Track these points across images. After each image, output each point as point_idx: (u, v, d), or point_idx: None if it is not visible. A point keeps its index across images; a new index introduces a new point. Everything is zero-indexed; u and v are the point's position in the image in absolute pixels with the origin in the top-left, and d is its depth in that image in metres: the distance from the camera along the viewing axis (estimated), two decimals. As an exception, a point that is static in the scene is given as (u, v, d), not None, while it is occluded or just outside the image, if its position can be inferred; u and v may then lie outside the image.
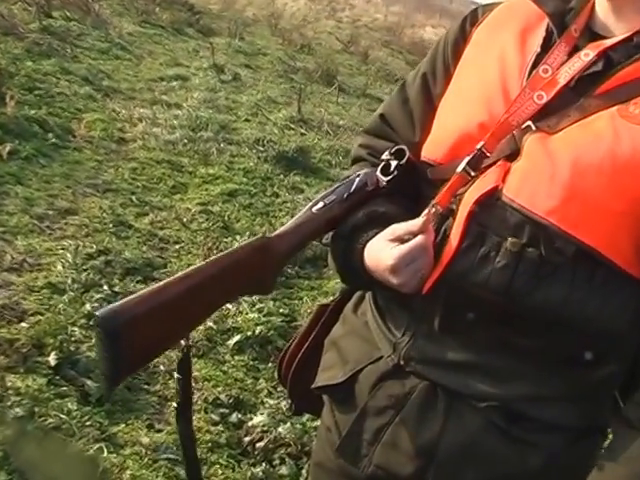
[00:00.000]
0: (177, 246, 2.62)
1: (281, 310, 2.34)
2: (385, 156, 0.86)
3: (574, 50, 0.75)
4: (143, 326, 0.68)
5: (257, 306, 2.31)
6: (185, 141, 3.60)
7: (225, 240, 2.70)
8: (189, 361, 0.80)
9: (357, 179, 0.85)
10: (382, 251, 0.77)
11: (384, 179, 0.85)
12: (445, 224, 0.77)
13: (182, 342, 0.79)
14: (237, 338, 2.13)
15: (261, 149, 3.72)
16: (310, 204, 0.85)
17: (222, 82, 4.87)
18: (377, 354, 0.83)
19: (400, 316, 0.82)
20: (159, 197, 2.99)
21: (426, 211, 0.77)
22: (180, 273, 0.73)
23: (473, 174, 0.76)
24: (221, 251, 0.80)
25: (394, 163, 0.85)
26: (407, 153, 0.84)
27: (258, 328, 2.18)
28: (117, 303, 0.68)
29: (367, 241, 0.81)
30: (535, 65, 0.76)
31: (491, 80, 0.79)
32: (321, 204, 0.84)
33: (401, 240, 0.76)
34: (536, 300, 0.71)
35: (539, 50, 0.77)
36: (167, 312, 0.70)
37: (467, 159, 0.76)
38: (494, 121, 0.76)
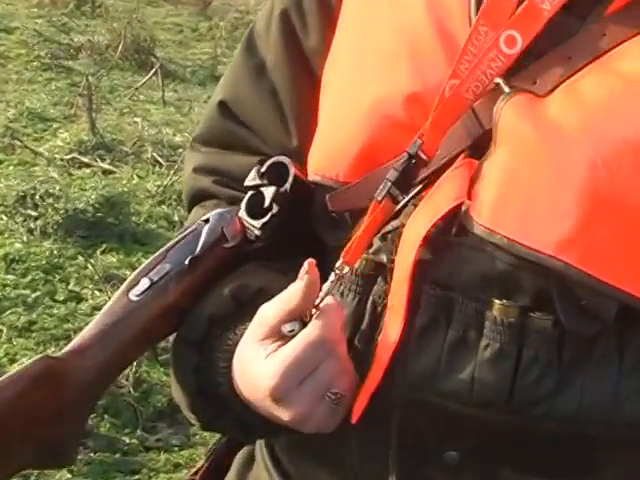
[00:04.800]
0: None
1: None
2: (251, 180, 0.88)
3: None
4: None
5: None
6: None
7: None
8: None
9: (205, 230, 0.87)
10: (253, 363, 0.78)
11: (255, 224, 0.87)
12: (373, 292, 0.80)
13: None
14: None
15: (32, 213, 3.71)
16: (125, 284, 0.85)
17: None
18: None
19: (324, 479, 0.85)
20: None
21: (305, 266, 0.76)
22: None
23: (402, 199, 0.78)
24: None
25: (270, 192, 0.86)
26: (291, 169, 0.86)
27: None
28: None
29: (237, 344, 0.82)
30: None
31: (414, 12, 0.82)
32: (145, 283, 0.85)
33: (281, 336, 0.77)
34: (562, 407, 0.74)
35: None
36: None
37: (391, 173, 0.78)
38: (433, 92, 0.78)
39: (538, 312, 0.74)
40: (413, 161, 0.77)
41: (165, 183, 4.26)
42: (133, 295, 0.84)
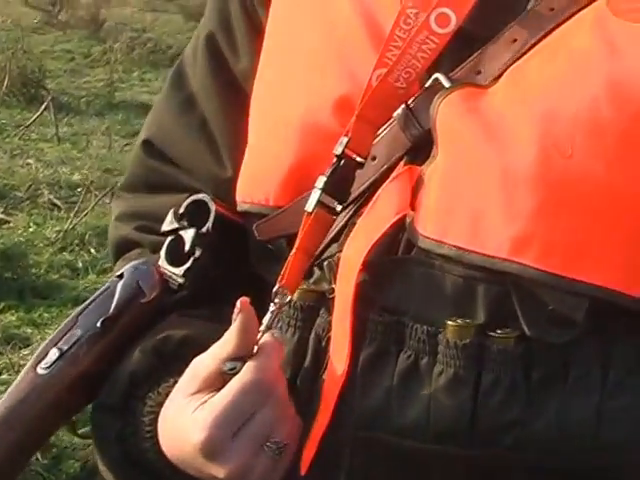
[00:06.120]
0: None
1: None
2: (168, 225, 0.87)
3: None
4: None
5: None
6: None
7: None
8: None
9: (119, 287, 0.86)
10: (180, 418, 0.77)
11: (177, 272, 0.87)
12: (315, 326, 0.79)
13: None
14: None
15: None
16: (33, 358, 0.84)
17: None
18: None
19: None
20: None
21: (237, 305, 0.75)
22: None
23: (339, 209, 0.77)
24: None
25: (189, 234, 0.86)
26: (212, 206, 0.86)
27: None
28: None
29: (162, 404, 0.81)
30: None
31: (340, 10, 0.81)
32: (54, 354, 0.84)
33: (212, 387, 0.76)
34: (537, 433, 0.73)
35: None
36: None
37: (320, 180, 0.77)
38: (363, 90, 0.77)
39: (498, 330, 0.72)
40: (342, 162, 0.76)
41: (65, 227, 4.22)
42: (41, 368, 0.83)
